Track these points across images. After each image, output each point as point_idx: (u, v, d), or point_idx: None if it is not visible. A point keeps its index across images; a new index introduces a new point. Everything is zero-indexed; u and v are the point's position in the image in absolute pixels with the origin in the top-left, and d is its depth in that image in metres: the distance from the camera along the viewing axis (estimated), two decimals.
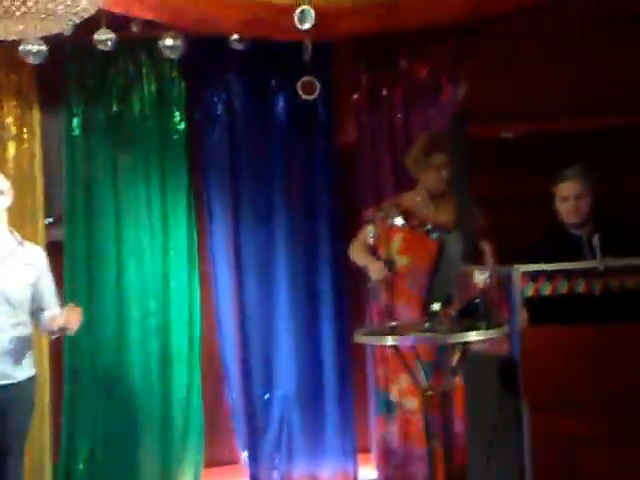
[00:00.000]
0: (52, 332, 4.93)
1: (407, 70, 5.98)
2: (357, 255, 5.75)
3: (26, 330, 4.81)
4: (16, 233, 4.90)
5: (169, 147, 6.05)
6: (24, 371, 4.78)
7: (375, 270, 5.62)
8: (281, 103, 6.12)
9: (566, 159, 5.04)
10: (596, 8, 5.37)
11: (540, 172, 5.05)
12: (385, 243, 5.65)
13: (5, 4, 3.52)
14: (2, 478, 4.76)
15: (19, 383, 4.75)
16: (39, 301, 4.87)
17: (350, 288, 6.13)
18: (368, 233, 5.63)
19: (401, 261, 5.62)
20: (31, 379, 4.81)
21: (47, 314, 4.87)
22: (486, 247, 5.55)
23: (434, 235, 5.52)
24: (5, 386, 4.69)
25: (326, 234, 6.14)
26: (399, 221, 5.63)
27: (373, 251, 5.70)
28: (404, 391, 5.58)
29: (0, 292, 4.70)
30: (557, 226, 5.01)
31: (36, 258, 4.90)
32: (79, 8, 3.71)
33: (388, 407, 5.69)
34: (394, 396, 5.68)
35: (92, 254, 6.00)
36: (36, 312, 4.88)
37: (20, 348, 4.75)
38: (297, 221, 6.15)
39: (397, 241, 5.63)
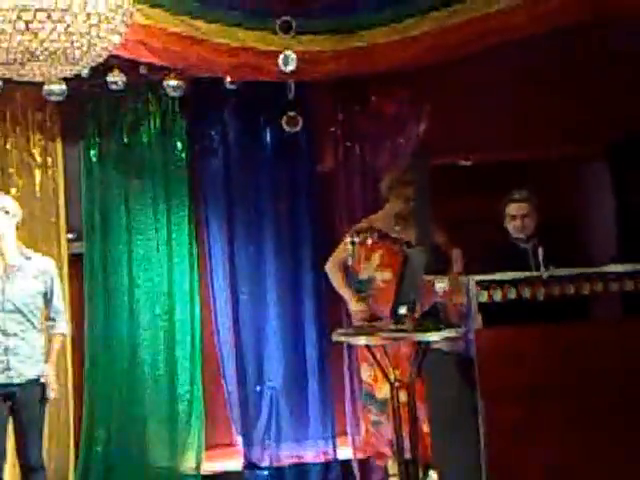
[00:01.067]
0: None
1: (377, 107, 5.93)
2: (335, 277, 5.54)
3: (37, 334, 4.74)
4: (25, 249, 4.81)
5: (173, 174, 6.01)
6: (35, 369, 4.71)
7: (357, 313, 5.43)
8: (268, 135, 6.06)
9: (513, 183, 5.01)
10: (537, 53, 5.36)
11: (490, 194, 5.00)
12: (365, 261, 5.52)
13: (30, 49, 3.46)
14: (25, 461, 4.71)
15: (31, 380, 4.69)
16: (49, 308, 4.81)
17: (329, 294, 6.06)
18: (347, 253, 5.50)
19: (383, 275, 5.47)
20: (41, 376, 4.73)
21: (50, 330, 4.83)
22: (457, 255, 5.45)
23: (404, 249, 5.43)
24: (20, 383, 4.65)
25: (308, 248, 6.05)
26: (376, 240, 5.51)
27: (349, 269, 5.55)
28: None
29: (9, 302, 4.63)
30: (507, 241, 4.96)
31: (45, 270, 4.80)
32: (93, 53, 3.64)
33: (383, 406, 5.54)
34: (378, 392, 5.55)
35: (107, 265, 5.98)
36: (47, 318, 4.83)
37: (31, 350, 4.69)
38: (283, 237, 6.08)
39: (376, 258, 5.50)
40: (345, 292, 5.52)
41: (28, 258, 4.77)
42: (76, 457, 5.84)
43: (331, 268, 5.57)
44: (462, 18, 4.94)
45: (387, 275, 5.42)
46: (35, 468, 4.72)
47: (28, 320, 4.69)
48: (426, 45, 5.06)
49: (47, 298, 4.79)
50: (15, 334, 4.64)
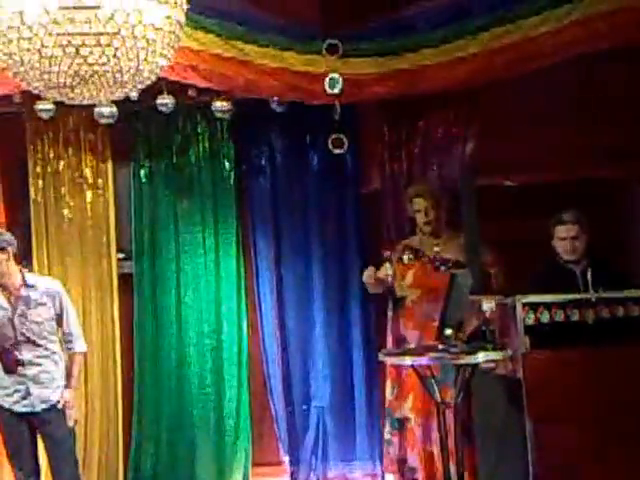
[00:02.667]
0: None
1: (423, 128, 5.89)
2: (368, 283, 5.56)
3: (54, 359, 4.78)
4: (28, 276, 4.81)
5: (220, 194, 6.05)
6: (55, 395, 4.75)
7: (365, 275, 5.44)
8: (315, 156, 6.08)
9: (562, 204, 4.94)
10: (583, 74, 5.29)
11: (539, 216, 4.94)
12: (399, 279, 5.51)
13: (81, 73, 3.50)
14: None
15: (53, 405, 4.73)
16: (63, 329, 4.85)
17: (376, 314, 6.03)
18: (387, 271, 5.48)
19: (412, 295, 5.43)
20: (59, 402, 4.77)
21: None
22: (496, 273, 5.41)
23: (442, 268, 5.38)
24: (46, 409, 4.70)
25: (355, 268, 6.01)
26: (411, 259, 5.48)
27: (388, 286, 5.53)
28: (412, 408, 5.42)
29: (22, 333, 4.68)
30: (555, 262, 4.89)
31: (52, 293, 4.81)
32: (141, 77, 3.67)
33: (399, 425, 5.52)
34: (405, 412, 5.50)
35: (156, 284, 6.04)
36: (63, 339, 4.87)
37: (49, 376, 4.74)
38: (330, 256, 6.08)
39: (409, 277, 5.47)
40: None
41: (32, 286, 4.76)
42: (124, 473, 5.87)
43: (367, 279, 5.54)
44: (510, 40, 4.90)
45: (415, 295, 5.40)
46: None
47: (43, 347, 4.73)
48: (474, 67, 5.03)
49: (59, 320, 4.81)
50: (32, 362, 4.70)
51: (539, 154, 5.34)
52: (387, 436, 5.55)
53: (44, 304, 4.75)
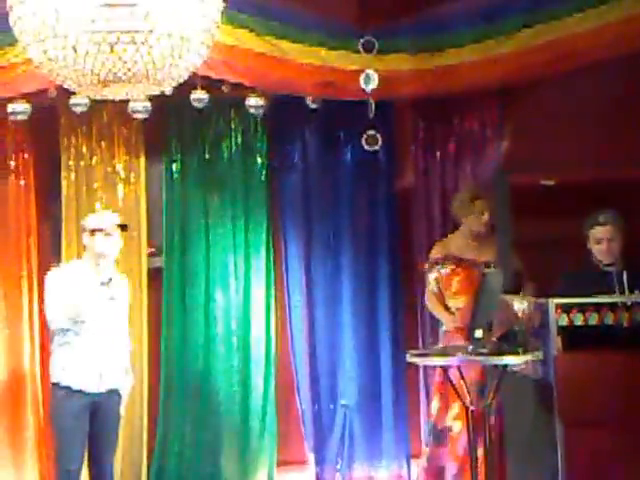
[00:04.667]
0: None
1: (458, 125, 5.91)
2: (431, 305, 5.58)
3: (124, 346, 4.89)
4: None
5: (252, 190, 6.08)
6: (119, 381, 4.83)
7: (448, 321, 5.44)
8: (348, 153, 6.09)
9: (598, 205, 4.93)
10: (622, 73, 5.26)
11: (574, 216, 4.93)
12: (445, 289, 5.50)
13: (114, 70, 3.55)
14: (97, 469, 4.82)
15: (114, 390, 4.81)
16: None
17: (405, 314, 6.04)
18: (432, 283, 5.51)
19: (456, 303, 5.43)
20: (120, 389, 4.87)
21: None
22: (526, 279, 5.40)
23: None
24: (107, 392, 4.76)
25: (385, 267, 6.05)
26: (454, 266, 5.49)
27: (440, 297, 5.55)
28: (455, 416, 5.42)
29: (110, 315, 4.75)
30: (590, 264, 4.88)
31: (125, 285, 4.96)
32: (175, 74, 3.72)
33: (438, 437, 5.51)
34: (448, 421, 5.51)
35: (186, 279, 6.05)
36: None
37: (119, 361, 4.83)
38: (360, 255, 6.08)
39: (454, 285, 5.46)
40: (440, 311, 5.51)
41: (110, 279, 4.84)
42: (148, 470, 5.90)
43: (428, 301, 5.59)
44: (549, 38, 4.89)
45: (460, 303, 5.40)
46: (106, 477, 4.82)
47: (119, 333, 4.82)
48: (511, 65, 5.03)
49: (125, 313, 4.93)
50: (111, 346, 4.76)
51: (576, 152, 5.33)
52: (423, 447, 5.56)
53: (124, 293, 4.96)
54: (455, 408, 5.29)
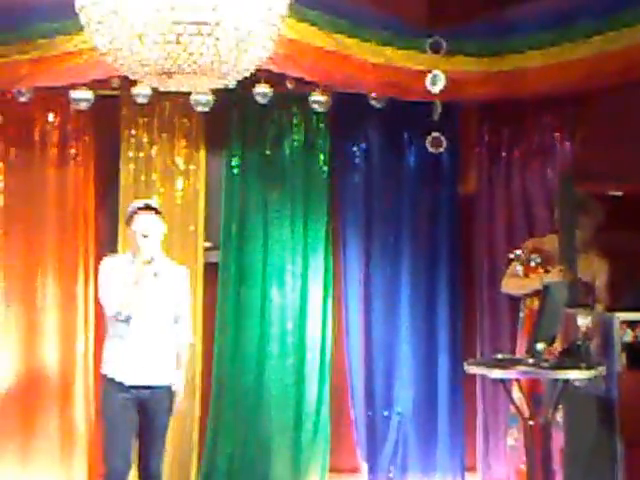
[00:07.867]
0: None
1: (526, 130, 5.89)
2: (508, 282, 5.50)
3: (170, 339, 4.85)
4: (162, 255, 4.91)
5: (313, 187, 6.09)
6: (168, 376, 4.82)
7: (534, 282, 5.32)
8: (411, 155, 6.09)
9: None
10: None
11: None
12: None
13: (179, 62, 3.61)
14: (146, 469, 4.84)
15: (163, 386, 4.80)
16: (175, 314, 4.91)
17: (464, 322, 6.02)
18: (516, 267, 5.43)
19: (533, 304, 5.37)
20: (172, 384, 4.85)
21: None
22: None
23: None
24: (153, 387, 4.75)
25: (445, 272, 6.05)
26: (538, 263, 5.41)
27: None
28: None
29: (152, 305, 4.74)
30: None
31: (181, 275, 4.94)
32: (240, 68, 3.77)
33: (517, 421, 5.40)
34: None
35: (242, 276, 6.06)
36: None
37: (166, 355, 4.81)
38: (420, 259, 6.08)
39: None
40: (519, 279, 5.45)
41: (165, 261, 4.89)
42: (198, 471, 5.94)
43: (505, 282, 5.52)
44: (622, 45, 4.86)
45: (535, 304, 5.30)
46: (154, 477, 4.85)
47: (165, 324, 4.81)
48: (582, 71, 5.02)
49: (176, 303, 4.89)
50: (155, 338, 4.76)
51: None
52: (511, 442, 5.51)
53: (174, 282, 4.91)
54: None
